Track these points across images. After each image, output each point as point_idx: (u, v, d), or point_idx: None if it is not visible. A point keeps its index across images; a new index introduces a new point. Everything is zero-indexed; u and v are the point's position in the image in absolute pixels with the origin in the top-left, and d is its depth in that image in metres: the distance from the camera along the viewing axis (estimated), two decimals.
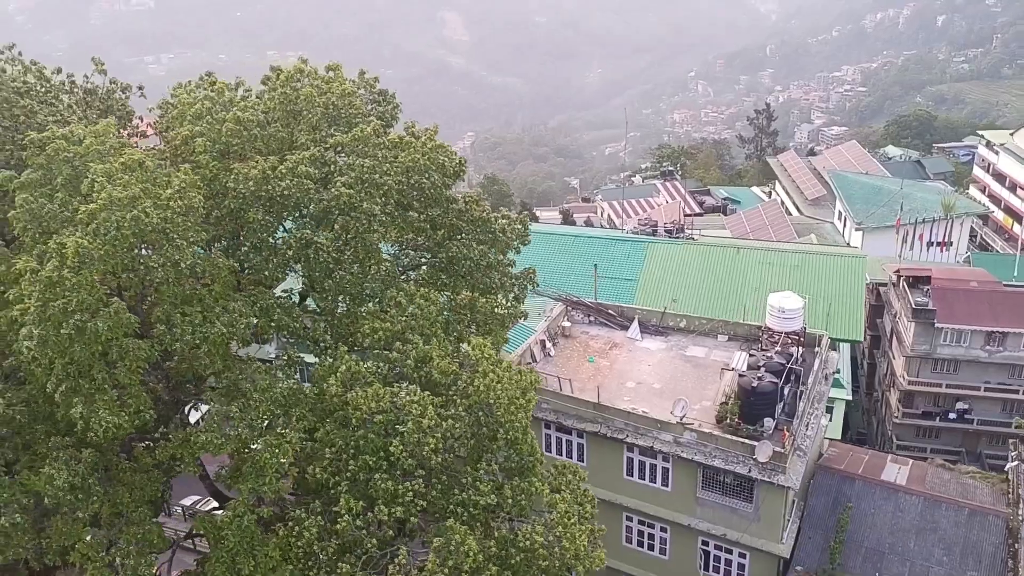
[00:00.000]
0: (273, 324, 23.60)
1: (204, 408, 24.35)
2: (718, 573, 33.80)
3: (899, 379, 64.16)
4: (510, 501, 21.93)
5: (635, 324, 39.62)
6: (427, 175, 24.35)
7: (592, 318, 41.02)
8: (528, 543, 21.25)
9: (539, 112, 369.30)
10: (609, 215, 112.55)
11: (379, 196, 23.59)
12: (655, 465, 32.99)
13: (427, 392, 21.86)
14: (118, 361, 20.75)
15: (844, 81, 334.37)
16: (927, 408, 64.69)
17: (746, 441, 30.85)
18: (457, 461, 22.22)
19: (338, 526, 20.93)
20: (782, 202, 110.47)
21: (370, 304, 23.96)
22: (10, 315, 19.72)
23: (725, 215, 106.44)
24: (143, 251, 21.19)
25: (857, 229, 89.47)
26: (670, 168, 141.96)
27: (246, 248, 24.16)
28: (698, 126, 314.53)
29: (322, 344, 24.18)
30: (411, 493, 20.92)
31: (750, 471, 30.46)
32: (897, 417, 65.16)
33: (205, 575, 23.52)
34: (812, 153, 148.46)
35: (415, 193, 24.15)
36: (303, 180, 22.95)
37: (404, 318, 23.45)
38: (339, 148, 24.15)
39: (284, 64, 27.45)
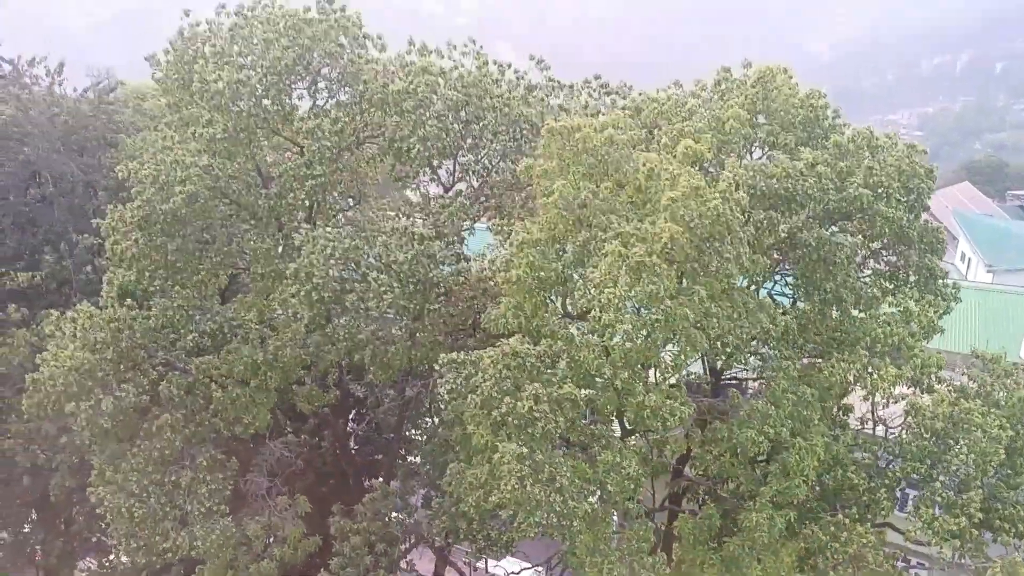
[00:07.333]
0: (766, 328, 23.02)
1: None
2: None
3: None
4: None
5: None
6: (920, 180, 23.87)
7: None
8: None
9: None
10: None
11: (883, 199, 23.17)
12: None
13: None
14: (681, 353, 20.34)
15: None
16: None
17: None
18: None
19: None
20: None
21: (859, 309, 23.45)
22: (601, 298, 19.25)
23: None
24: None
25: (988, 271, 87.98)
26: None
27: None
28: None
29: (812, 348, 23.58)
30: (975, 504, 20.23)
31: None
32: None
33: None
34: None
35: (913, 197, 23.67)
36: (823, 180, 22.54)
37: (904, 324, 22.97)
38: (841, 149, 23.74)
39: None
